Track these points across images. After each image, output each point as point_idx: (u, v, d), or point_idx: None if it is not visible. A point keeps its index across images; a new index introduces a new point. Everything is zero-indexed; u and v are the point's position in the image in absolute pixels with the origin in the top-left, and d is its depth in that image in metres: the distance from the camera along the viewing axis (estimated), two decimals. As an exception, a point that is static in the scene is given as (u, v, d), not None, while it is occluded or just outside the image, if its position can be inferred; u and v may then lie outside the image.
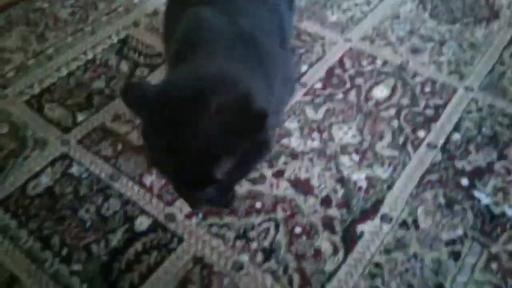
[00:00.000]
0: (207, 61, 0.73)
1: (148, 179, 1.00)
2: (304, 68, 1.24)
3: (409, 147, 1.05)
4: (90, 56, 1.31)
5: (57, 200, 0.97)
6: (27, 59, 1.30)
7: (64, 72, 1.26)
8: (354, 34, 1.34)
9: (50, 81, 1.23)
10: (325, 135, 1.08)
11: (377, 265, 0.86)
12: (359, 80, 1.21)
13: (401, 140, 1.06)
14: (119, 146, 1.07)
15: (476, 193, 0.96)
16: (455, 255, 0.87)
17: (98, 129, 1.11)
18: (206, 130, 0.61)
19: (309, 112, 1.13)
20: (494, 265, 0.86)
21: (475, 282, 0.83)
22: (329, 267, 0.86)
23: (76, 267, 0.87)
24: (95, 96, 1.19)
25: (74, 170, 1.03)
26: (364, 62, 1.26)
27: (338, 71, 1.24)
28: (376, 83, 1.20)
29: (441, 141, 1.06)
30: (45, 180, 1.01)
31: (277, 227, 0.91)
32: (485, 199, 0.95)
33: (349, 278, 0.84)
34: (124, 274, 0.85)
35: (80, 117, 1.14)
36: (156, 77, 1.22)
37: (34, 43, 1.36)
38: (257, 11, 0.89)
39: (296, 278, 0.84)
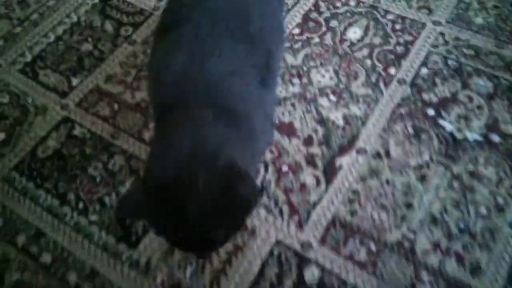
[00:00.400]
0: (184, 130, 0.73)
1: (146, 135, 1.10)
2: (281, 14, 1.30)
3: (381, 85, 1.14)
4: (74, 18, 1.35)
5: (66, 161, 1.08)
6: (13, 27, 1.35)
7: (52, 37, 1.31)
8: (327, -25, 1.39)
9: (40, 48, 1.29)
10: (304, 79, 1.17)
11: (355, 192, 0.99)
12: (334, 23, 1.28)
13: (374, 78, 1.16)
14: (115, 106, 1.16)
15: (441, 122, 1.08)
16: (422, 178, 1.00)
17: (94, 91, 1.19)
18: (199, 209, 0.66)
19: (289, 58, 1.21)
20: (456, 184, 0.99)
21: (439, 199, 0.97)
22: (313, 197, 0.99)
23: (93, 217, 0.99)
24: (86, 59, 1.26)
25: (77, 132, 1.12)
26: (338, 4, 1.32)
27: (314, 14, 1.30)
28: (350, 24, 1.27)
29: (410, 76, 1.15)
30: (52, 144, 1.11)
31: (266, 167, 1.03)
32: (449, 127, 1.07)
33: (331, 205, 0.98)
34: (136, 220, 0.98)
35: (74, 81, 1.21)
36: (141, 35, 1.28)
37: (17, 10, 1.39)
38: (233, 50, 0.82)
39: (285, 209, 0.98)
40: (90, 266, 0.93)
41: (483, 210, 0.95)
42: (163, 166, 0.70)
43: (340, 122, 1.09)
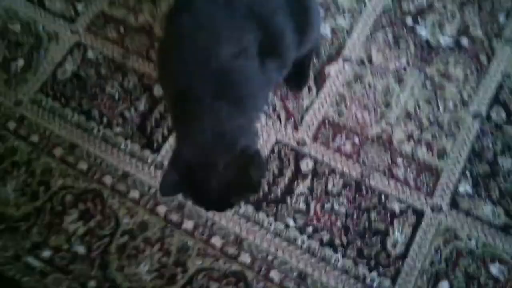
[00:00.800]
0: (204, 121, 0.84)
1: (153, 55, 1.21)
2: None
3: (365, -4, 1.25)
4: None
5: (85, 82, 1.20)
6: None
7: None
8: None
9: (40, -26, 1.34)
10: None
11: (341, 95, 1.15)
12: None
13: (358, -10, 1.26)
14: (121, 29, 1.25)
15: (418, 29, 1.20)
16: (400, 80, 1.15)
17: (99, 15, 1.27)
18: (218, 185, 0.83)
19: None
20: (428, 84, 1.15)
21: (414, 97, 1.13)
22: (306, 102, 1.14)
23: (117, 129, 1.15)
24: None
25: (90, 54, 1.23)
26: None
27: None
28: None
29: (390, -14, 1.25)
30: (69, 67, 1.22)
31: (264, 78, 1.17)
32: (424, 33, 1.20)
33: (321, 107, 1.14)
34: (155, 128, 1.14)
35: (79, 7, 1.29)
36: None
37: None
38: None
39: (282, 114, 1.14)
40: (122, 169, 1.11)
41: (451, 105, 1.12)
42: (190, 152, 0.85)
43: (328, 34, 1.21)
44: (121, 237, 1.06)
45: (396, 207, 1.05)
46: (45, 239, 1.07)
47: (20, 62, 1.24)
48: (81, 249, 1.05)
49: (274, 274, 1.01)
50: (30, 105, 1.19)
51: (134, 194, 1.09)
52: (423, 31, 1.20)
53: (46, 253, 1.06)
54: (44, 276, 1.04)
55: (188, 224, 1.06)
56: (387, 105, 1.13)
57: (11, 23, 1.28)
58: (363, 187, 1.07)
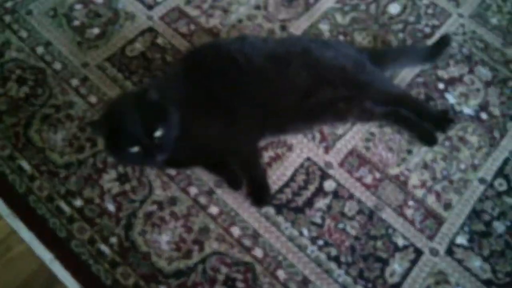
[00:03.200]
0: None
1: (216, 55, 1.32)
2: (337, -21, 1.50)
3: (408, 56, 1.39)
4: None
5: (150, 62, 1.29)
6: None
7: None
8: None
9: (130, -39, 1.46)
10: (348, 38, 1.40)
11: (372, 133, 1.26)
12: (379, -4, 1.50)
13: (403, 49, 1.40)
14: (192, 26, 1.37)
15: (447, 95, 1.34)
16: (424, 134, 1.28)
17: (175, 9, 1.39)
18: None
19: (338, 17, 1.43)
20: (447, 143, 1.27)
21: (433, 151, 1.25)
22: (340, 131, 1.25)
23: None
24: (169, -20, 1.44)
25: (160, 41, 1.33)
26: (385, -20, 1.53)
27: (363, -15, 1.51)
28: (392, 0, 1.49)
29: (431, 54, 1.40)
30: (138, 46, 1.32)
31: (308, 101, 1.28)
32: (451, 99, 1.33)
33: (352, 139, 1.25)
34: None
35: (159, -3, 1.41)
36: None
37: None
38: None
39: (317, 136, 1.24)
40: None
41: (462, 166, 1.24)
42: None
43: (371, 79, 1.33)
44: (151, 205, 1.12)
45: (400, 241, 1.14)
46: (80, 189, 1.12)
47: (96, 30, 1.33)
48: (111, 207, 1.11)
49: (280, 273, 1.08)
50: (95, 69, 1.27)
51: (171, 170, 1.17)
52: (450, 97, 1.33)
53: (78, 202, 1.11)
54: (71, 222, 1.09)
55: (214, 210, 1.13)
56: (409, 152, 1.25)
57: (95, -5, 1.39)
58: (375, 218, 1.16)
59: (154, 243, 1.08)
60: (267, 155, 1.20)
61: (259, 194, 1.14)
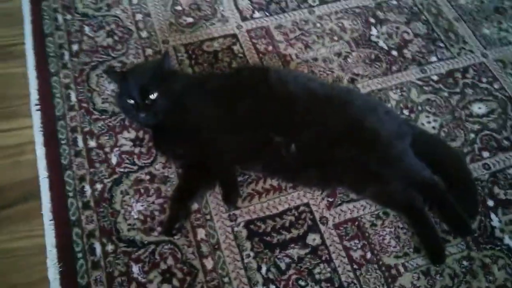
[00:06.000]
0: None
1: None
2: None
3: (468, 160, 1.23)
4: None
5: (217, 61, 1.37)
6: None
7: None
8: None
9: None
10: (413, 115, 1.30)
11: (386, 213, 1.13)
12: (469, 91, 1.36)
13: (465, 149, 1.24)
14: (270, 47, 1.41)
15: (492, 215, 1.14)
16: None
17: (264, 29, 1.45)
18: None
19: (414, 92, 1.34)
20: (465, 262, 1.08)
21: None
22: (353, 196, 1.15)
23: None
24: (273, 4, 1.52)
25: (236, 48, 1.40)
26: (484, 80, 1.39)
27: (457, 74, 1.40)
28: (481, 100, 1.34)
29: (493, 169, 1.22)
30: (215, 45, 1.41)
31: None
32: (496, 222, 1.13)
33: (362, 209, 1.13)
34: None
35: (257, 14, 1.49)
36: (322, 10, 1.50)
37: None
38: None
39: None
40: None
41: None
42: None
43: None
44: (145, 175, 1.16)
45: (354, 333, 0.99)
46: (99, 134, 1.22)
47: (189, 19, 1.46)
48: (114, 159, 1.17)
49: (218, 294, 1.02)
50: (171, 48, 1.38)
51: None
52: (495, 220, 1.14)
53: (92, 143, 1.20)
54: (77, 155, 1.18)
55: (194, 205, 1.12)
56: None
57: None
58: (342, 294, 1.03)
59: (127, 206, 1.11)
60: (269, 182, 1.16)
61: (229, 194, 1.11)
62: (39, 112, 1.25)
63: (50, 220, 1.09)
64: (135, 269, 1.04)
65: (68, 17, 1.43)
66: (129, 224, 1.09)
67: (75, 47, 1.37)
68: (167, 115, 1.10)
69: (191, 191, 1.12)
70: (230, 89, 1.16)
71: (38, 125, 1.23)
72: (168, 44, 1.39)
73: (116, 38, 1.40)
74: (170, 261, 1.05)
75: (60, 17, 1.43)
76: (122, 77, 1.11)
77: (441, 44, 1.46)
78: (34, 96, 1.27)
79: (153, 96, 1.07)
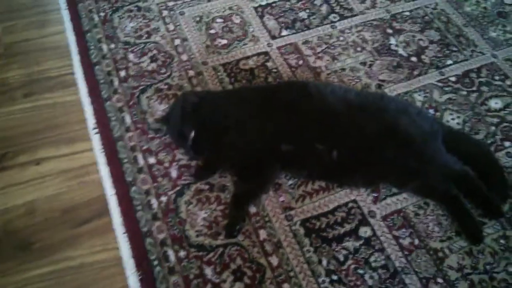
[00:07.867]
0: None
1: (310, 89, 1.45)
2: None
3: (493, 148, 1.35)
4: (304, -8, 1.74)
5: (254, 78, 1.48)
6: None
7: (284, -3, 1.73)
8: None
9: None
10: (438, 114, 1.42)
11: (427, 203, 1.24)
12: (485, 88, 1.49)
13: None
14: (300, 61, 1.53)
15: None
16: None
17: (292, 45, 1.57)
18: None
19: (436, 93, 1.47)
20: (502, 241, 1.19)
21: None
22: (395, 190, 1.26)
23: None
24: (298, 22, 1.64)
25: (269, 64, 1.52)
26: (497, 77, 1.53)
27: (473, 74, 1.53)
28: (497, 96, 1.47)
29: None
30: (251, 63, 1.52)
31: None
32: None
33: (405, 201, 1.24)
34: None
35: (284, 32, 1.61)
36: (343, 24, 1.63)
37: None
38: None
39: (372, 185, 1.27)
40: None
41: (511, 269, 1.15)
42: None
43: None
44: (204, 185, 1.25)
45: (413, 311, 1.09)
46: (157, 151, 1.31)
47: (224, 41, 1.57)
48: (174, 173, 1.27)
49: (285, 287, 1.11)
50: (211, 69, 1.50)
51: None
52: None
53: (152, 160, 1.30)
54: (140, 172, 1.28)
55: (252, 209, 1.22)
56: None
57: (235, 17, 1.65)
58: (397, 278, 1.12)
59: (192, 215, 1.21)
60: (317, 183, 1.27)
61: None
62: (97, 135, 1.34)
63: (123, 233, 1.18)
64: (208, 271, 1.13)
65: (112, 46, 1.54)
66: (197, 231, 1.18)
67: (122, 73, 1.47)
68: (213, 142, 1.24)
69: (246, 196, 1.23)
70: (273, 103, 1.26)
71: (99, 147, 1.32)
72: (208, 65, 1.51)
73: (159, 62, 1.50)
74: (238, 261, 1.14)
75: (105, 47, 1.54)
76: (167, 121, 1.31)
77: (454, 48, 1.60)
78: (90, 120, 1.37)
79: (192, 135, 1.21)
